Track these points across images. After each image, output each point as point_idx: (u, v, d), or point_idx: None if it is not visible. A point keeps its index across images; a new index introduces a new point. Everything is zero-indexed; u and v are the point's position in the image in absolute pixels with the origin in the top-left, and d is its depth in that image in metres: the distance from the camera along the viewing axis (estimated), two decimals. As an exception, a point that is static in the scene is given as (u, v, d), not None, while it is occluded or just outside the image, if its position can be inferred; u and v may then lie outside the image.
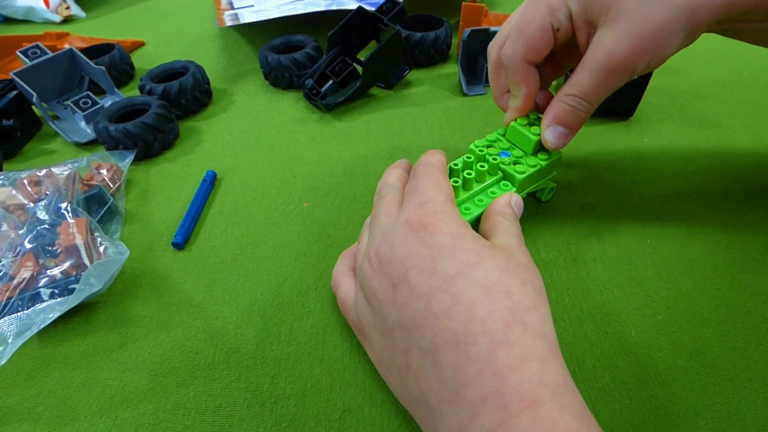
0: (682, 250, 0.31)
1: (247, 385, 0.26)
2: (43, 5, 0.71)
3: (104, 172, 0.39)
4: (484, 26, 0.48)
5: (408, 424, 0.24)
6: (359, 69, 0.48)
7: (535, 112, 0.31)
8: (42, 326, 0.27)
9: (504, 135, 0.32)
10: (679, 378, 0.25)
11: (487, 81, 0.48)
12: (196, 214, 0.36)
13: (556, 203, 0.35)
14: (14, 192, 0.35)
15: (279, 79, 0.50)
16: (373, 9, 0.48)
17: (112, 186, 0.38)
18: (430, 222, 0.22)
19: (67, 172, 0.37)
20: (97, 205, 0.36)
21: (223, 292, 0.31)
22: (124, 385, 0.27)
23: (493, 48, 0.31)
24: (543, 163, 0.30)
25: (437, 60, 0.53)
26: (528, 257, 0.23)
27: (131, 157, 0.41)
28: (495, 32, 0.46)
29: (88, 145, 0.46)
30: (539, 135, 0.30)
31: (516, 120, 0.31)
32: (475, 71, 0.50)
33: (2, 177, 0.36)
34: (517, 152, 0.31)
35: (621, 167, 0.38)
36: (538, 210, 0.35)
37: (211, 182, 0.39)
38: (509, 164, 0.30)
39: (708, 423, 0.23)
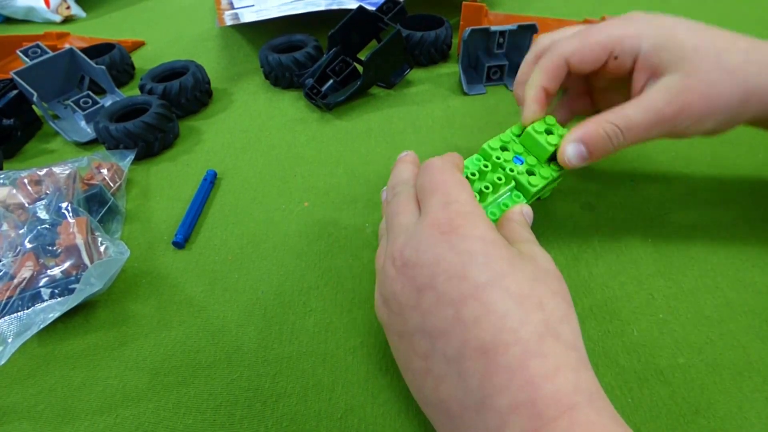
0: (684, 249, 0.31)
1: (249, 383, 0.26)
2: (43, 5, 0.71)
3: (105, 171, 0.39)
4: (484, 26, 0.48)
5: (410, 423, 0.24)
6: (360, 68, 0.48)
7: (553, 119, 0.30)
8: (42, 326, 0.27)
9: (518, 136, 0.31)
10: (681, 376, 0.25)
11: (487, 80, 0.48)
12: (196, 214, 0.36)
13: (557, 202, 0.35)
14: (14, 191, 0.35)
15: (279, 78, 0.50)
16: (374, 8, 0.48)
17: (112, 185, 0.38)
18: (460, 225, 0.21)
19: (67, 172, 0.37)
20: (97, 204, 0.36)
21: (224, 291, 0.31)
22: (124, 383, 0.27)
23: (545, 37, 0.31)
24: (555, 175, 0.29)
25: (437, 59, 0.53)
26: (554, 265, 0.23)
27: (131, 157, 0.41)
28: (495, 32, 0.46)
29: (88, 144, 0.46)
30: (555, 146, 0.28)
31: (534, 125, 0.29)
32: (475, 70, 0.50)
33: (2, 176, 0.36)
34: (531, 159, 0.29)
35: (622, 166, 0.38)
36: (539, 208, 0.35)
37: (211, 181, 0.39)
38: (522, 173, 0.29)
39: (710, 421, 0.23)
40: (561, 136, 0.29)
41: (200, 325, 0.29)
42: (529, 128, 0.29)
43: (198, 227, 0.36)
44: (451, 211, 0.22)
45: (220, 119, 0.48)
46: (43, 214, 0.33)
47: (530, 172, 0.29)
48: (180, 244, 0.34)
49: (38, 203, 0.34)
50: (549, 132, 0.30)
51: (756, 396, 0.24)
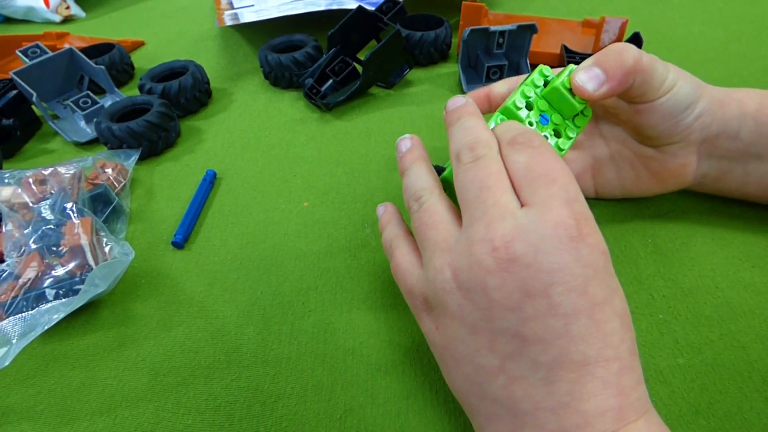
0: (684, 249, 0.31)
1: (248, 384, 0.26)
2: (43, 5, 0.71)
3: (109, 171, 0.39)
4: (484, 25, 0.48)
5: (409, 424, 0.24)
6: (359, 68, 0.48)
7: (573, 67, 0.27)
8: (46, 327, 0.27)
9: (541, 91, 0.27)
10: (680, 376, 0.25)
11: (486, 80, 0.48)
12: (195, 214, 0.36)
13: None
14: (19, 190, 0.35)
15: (279, 78, 0.50)
16: (373, 8, 0.48)
17: (117, 185, 0.38)
18: (588, 233, 0.19)
19: (72, 171, 0.37)
20: (102, 204, 0.36)
21: (223, 292, 0.31)
22: (124, 384, 0.27)
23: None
24: (579, 131, 0.27)
25: (437, 59, 0.53)
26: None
27: (136, 156, 0.41)
28: (495, 32, 0.46)
29: (88, 144, 0.46)
30: (584, 104, 0.26)
31: (562, 79, 0.26)
32: (475, 70, 0.50)
33: (7, 175, 0.36)
34: (556, 117, 0.27)
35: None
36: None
37: (210, 181, 0.39)
38: (551, 135, 0.26)
39: (709, 422, 0.23)
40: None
41: (199, 326, 0.29)
42: (557, 83, 0.26)
43: (197, 227, 0.36)
44: (576, 212, 0.19)
45: (220, 119, 0.48)
46: (47, 214, 0.33)
47: (557, 132, 0.27)
48: (179, 245, 0.34)
49: (43, 203, 0.34)
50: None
51: (756, 396, 0.24)
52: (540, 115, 0.26)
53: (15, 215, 0.33)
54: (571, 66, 0.27)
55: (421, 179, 0.25)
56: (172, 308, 0.31)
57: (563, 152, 0.26)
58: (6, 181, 0.36)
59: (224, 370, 0.27)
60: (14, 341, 0.27)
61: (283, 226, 0.36)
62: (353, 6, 0.49)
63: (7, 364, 0.26)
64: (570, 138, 0.26)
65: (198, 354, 0.28)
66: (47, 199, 0.34)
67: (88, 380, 0.27)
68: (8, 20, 0.74)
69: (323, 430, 0.24)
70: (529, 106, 0.26)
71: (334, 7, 0.54)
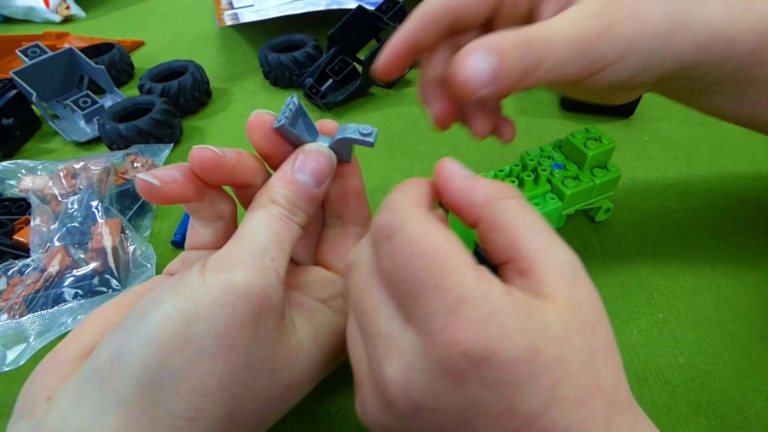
0: (683, 248, 0.31)
1: (248, 383, 0.26)
2: (43, 5, 0.71)
3: (138, 166, 0.39)
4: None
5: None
6: (359, 68, 0.48)
7: (596, 128, 0.29)
8: (64, 330, 0.27)
9: (560, 148, 0.30)
10: (681, 376, 0.25)
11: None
12: (196, 213, 0.36)
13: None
14: (50, 183, 0.35)
15: (279, 78, 0.50)
16: (373, 8, 0.48)
17: None
18: (488, 348, 0.14)
19: (102, 166, 0.36)
20: (130, 200, 0.36)
21: (223, 291, 0.31)
22: (123, 383, 0.27)
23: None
24: (597, 181, 0.28)
25: (437, 59, 0.53)
26: (594, 294, 0.16)
27: (167, 151, 0.41)
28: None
29: (88, 144, 0.46)
30: (596, 151, 0.28)
31: (573, 134, 0.29)
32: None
33: (41, 166, 0.37)
34: (572, 167, 0.29)
35: (622, 165, 0.38)
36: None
37: (211, 181, 0.39)
38: (560, 177, 0.28)
39: (710, 421, 0.23)
40: (608, 143, 0.28)
41: (199, 325, 0.29)
42: (568, 136, 0.28)
43: (197, 227, 0.36)
44: (465, 328, 0.14)
45: (220, 119, 0.48)
46: (74, 211, 0.33)
47: (569, 178, 0.28)
48: (179, 244, 0.34)
49: (72, 198, 0.34)
50: (590, 139, 0.29)
51: (756, 396, 0.24)
52: (554, 163, 0.29)
53: (45, 207, 0.33)
54: (593, 128, 0.29)
55: None
56: (171, 308, 0.31)
57: (573, 190, 0.28)
58: (39, 171, 0.36)
59: (224, 370, 0.27)
60: (31, 339, 0.27)
61: (283, 225, 0.35)
62: (353, 6, 0.49)
63: (22, 363, 0.26)
64: (584, 182, 0.28)
65: (198, 353, 0.28)
66: (76, 194, 0.34)
67: (87, 380, 0.27)
68: (8, 20, 0.74)
69: (324, 428, 0.24)
70: (543, 157, 0.29)
71: (334, 6, 0.54)
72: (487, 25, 0.23)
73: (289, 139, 0.21)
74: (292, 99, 0.21)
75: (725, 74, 0.22)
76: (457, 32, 0.22)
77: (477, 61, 0.18)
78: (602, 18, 0.20)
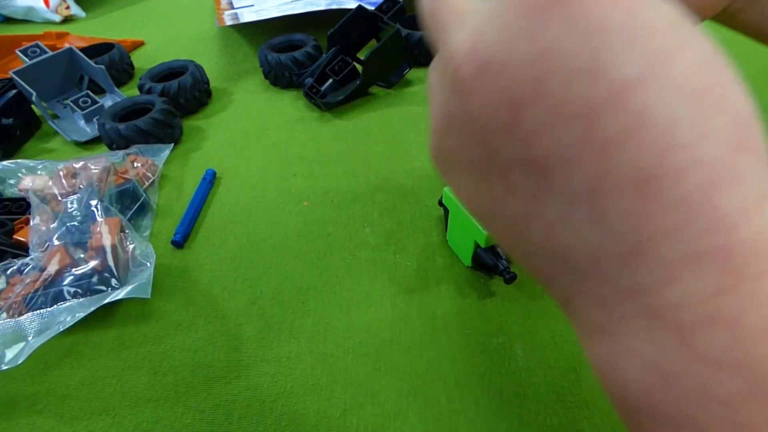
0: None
1: (247, 383, 0.26)
2: (43, 5, 0.71)
3: (138, 166, 0.39)
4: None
5: (409, 424, 0.24)
6: (359, 68, 0.48)
7: None
8: (63, 328, 0.27)
9: None
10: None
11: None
12: (195, 213, 0.36)
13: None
14: (50, 183, 0.35)
15: (279, 77, 0.50)
16: (373, 8, 0.48)
17: (145, 181, 0.38)
18: None
19: (102, 166, 0.36)
20: (129, 200, 0.36)
21: (223, 291, 0.31)
22: (123, 383, 0.27)
23: None
24: None
25: (437, 59, 0.53)
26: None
27: (167, 152, 0.41)
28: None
29: (88, 144, 0.46)
30: None
31: None
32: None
33: (41, 166, 0.36)
34: None
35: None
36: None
37: (210, 181, 0.39)
38: None
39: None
40: None
41: (199, 325, 0.29)
42: None
43: (197, 226, 0.36)
44: None
45: (220, 119, 0.48)
46: (74, 211, 0.33)
47: None
48: (179, 243, 0.34)
49: (71, 197, 0.34)
50: None
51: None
52: None
53: (45, 207, 0.33)
54: None
55: None
56: (171, 307, 0.31)
57: None
58: (39, 171, 0.36)
59: (223, 369, 0.27)
60: (30, 338, 0.27)
61: (282, 225, 0.35)
62: (353, 5, 0.49)
63: (20, 362, 0.26)
64: None
65: (197, 353, 0.28)
66: (76, 194, 0.34)
67: (87, 379, 0.27)
68: (8, 20, 0.74)
69: (323, 430, 0.24)
70: None
71: (334, 6, 0.54)
72: None
73: None
74: None
75: None
76: None
77: None
78: None
